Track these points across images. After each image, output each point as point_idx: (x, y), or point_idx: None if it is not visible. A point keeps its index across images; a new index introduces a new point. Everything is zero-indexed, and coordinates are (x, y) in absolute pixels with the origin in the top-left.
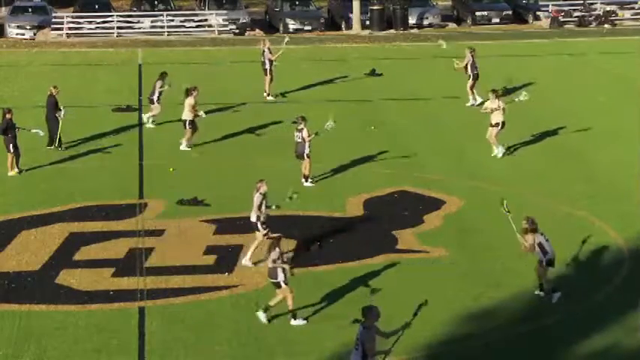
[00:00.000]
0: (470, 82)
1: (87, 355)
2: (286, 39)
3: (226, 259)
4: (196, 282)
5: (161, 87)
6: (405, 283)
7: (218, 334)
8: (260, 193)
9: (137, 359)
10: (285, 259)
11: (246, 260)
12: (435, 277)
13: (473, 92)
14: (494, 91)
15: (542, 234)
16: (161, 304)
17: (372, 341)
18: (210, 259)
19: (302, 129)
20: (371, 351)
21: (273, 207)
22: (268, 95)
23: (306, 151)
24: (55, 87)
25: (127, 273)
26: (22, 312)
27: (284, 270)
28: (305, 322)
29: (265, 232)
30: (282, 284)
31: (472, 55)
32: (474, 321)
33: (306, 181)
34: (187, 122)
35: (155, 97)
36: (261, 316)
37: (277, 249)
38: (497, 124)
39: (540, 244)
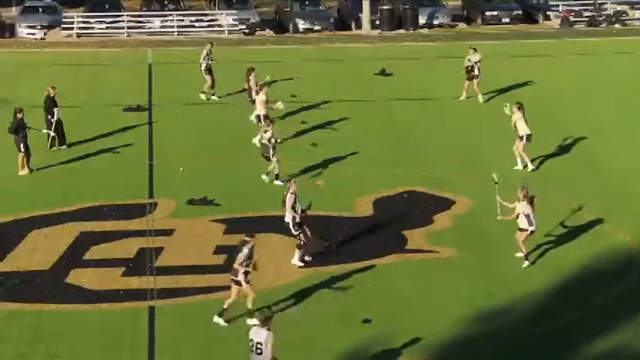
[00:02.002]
0: (477, 80)
1: (97, 354)
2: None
3: None
4: (206, 281)
5: (259, 85)
6: (415, 284)
7: (228, 334)
8: (291, 193)
9: (147, 359)
10: (250, 263)
11: (295, 260)
12: (445, 277)
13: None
14: (518, 104)
15: (532, 205)
16: (171, 303)
17: (273, 343)
18: (220, 259)
19: (267, 131)
20: (274, 353)
21: (305, 206)
22: (213, 95)
23: (271, 152)
24: (53, 87)
25: (137, 272)
26: (32, 311)
27: (246, 272)
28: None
29: (298, 233)
30: (243, 283)
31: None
32: (484, 321)
33: (276, 179)
34: (262, 117)
35: (254, 97)
36: (219, 320)
37: (246, 250)
38: (521, 138)
39: (528, 216)
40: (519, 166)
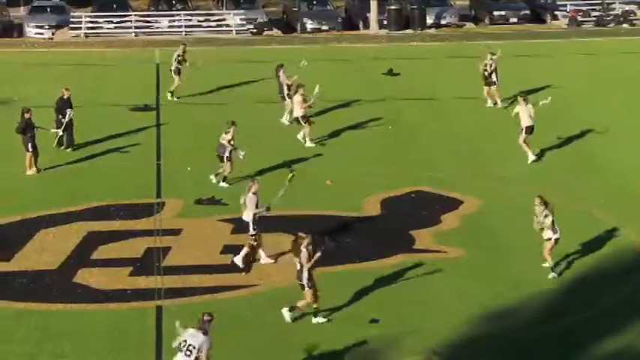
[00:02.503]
0: (495, 86)
1: (104, 354)
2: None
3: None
4: (213, 281)
5: (296, 85)
6: (422, 283)
7: (236, 334)
8: (252, 193)
9: (154, 359)
10: (311, 261)
11: (265, 259)
12: (453, 277)
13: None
14: (523, 96)
15: (548, 209)
16: (178, 303)
17: (209, 348)
18: (228, 259)
19: (228, 132)
20: (208, 358)
21: (263, 210)
22: (171, 92)
23: (226, 154)
24: (67, 89)
25: (145, 272)
26: (40, 311)
27: (310, 273)
28: (326, 320)
29: (255, 232)
30: (307, 287)
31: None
32: (492, 321)
33: (223, 181)
34: (301, 118)
35: (285, 94)
36: (286, 314)
37: (306, 250)
38: (521, 129)
39: (553, 223)
40: (532, 158)
